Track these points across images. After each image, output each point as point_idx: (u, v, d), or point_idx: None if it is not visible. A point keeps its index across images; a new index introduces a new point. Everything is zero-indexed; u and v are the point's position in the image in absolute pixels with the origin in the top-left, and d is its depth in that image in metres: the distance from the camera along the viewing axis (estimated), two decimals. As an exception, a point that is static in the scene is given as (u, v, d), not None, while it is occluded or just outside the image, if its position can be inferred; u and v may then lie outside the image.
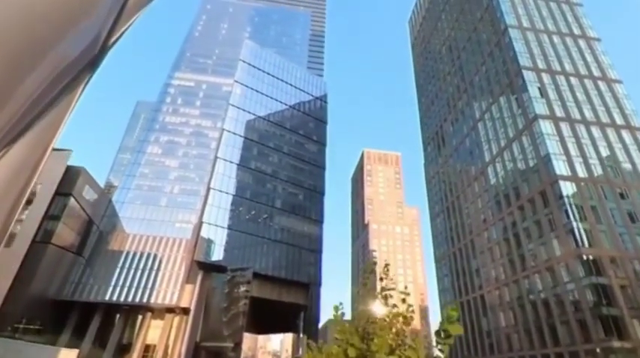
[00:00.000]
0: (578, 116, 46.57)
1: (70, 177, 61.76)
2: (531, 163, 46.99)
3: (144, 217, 73.60)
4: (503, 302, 50.30)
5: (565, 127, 45.40)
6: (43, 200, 56.67)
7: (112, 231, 71.12)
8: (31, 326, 55.12)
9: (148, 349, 63.86)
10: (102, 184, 78.61)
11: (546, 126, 45.05)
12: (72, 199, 62.91)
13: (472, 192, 62.09)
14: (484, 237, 56.84)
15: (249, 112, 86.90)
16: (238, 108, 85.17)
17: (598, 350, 33.98)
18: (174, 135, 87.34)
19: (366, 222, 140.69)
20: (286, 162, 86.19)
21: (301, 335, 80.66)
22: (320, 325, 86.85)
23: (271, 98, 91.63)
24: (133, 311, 66.22)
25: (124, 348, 62.25)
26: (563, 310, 39.35)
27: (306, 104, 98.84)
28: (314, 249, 79.56)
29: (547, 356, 41.17)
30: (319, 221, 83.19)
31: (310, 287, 76.06)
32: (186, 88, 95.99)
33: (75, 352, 14.89)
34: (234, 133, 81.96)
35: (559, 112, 46.70)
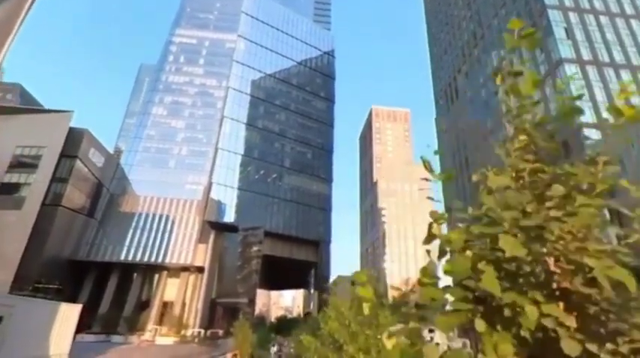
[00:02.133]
0: (607, 59, 43.22)
1: (74, 139, 60.75)
2: (553, 113, 44.34)
3: (153, 179, 73.21)
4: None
5: (592, 71, 42.28)
6: (49, 162, 56.11)
7: (123, 194, 71.15)
8: (51, 286, 56.71)
9: (166, 305, 65.87)
10: (111, 150, 77.66)
11: (572, 71, 41.96)
12: (78, 161, 62.36)
13: (486, 146, 59.79)
14: (499, 192, 55.33)
15: (255, 69, 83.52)
16: (243, 64, 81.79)
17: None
18: (179, 95, 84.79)
19: (374, 180, 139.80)
20: (294, 120, 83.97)
21: (312, 291, 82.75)
22: (330, 281, 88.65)
23: (277, 53, 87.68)
24: (150, 270, 67.69)
25: (144, 305, 64.24)
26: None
27: (313, 59, 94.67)
28: (323, 207, 79.40)
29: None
30: (328, 179, 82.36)
31: (320, 244, 76.75)
32: (189, 45, 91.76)
33: (78, 306, 14.38)
34: (240, 91, 79.32)
35: (586, 55, 43.33)
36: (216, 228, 68.68)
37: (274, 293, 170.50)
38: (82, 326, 54.91)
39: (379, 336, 4.44)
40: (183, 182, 74.10)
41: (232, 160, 72.97)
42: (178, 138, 79.77)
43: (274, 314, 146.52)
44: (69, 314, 13.61)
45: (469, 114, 66.89)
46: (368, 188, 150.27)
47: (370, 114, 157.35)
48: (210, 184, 69.95)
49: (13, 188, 54.83)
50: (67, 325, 13.45)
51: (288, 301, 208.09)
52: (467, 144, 66.64)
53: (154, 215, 69.52)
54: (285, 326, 71.02)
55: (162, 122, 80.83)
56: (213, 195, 69.56)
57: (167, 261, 65.71)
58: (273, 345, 32.87)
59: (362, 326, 4.30)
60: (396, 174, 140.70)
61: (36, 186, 54.82)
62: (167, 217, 69.67)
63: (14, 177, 55.52)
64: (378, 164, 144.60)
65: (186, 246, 67.67)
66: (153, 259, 65.52)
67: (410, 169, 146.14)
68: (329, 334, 4.80)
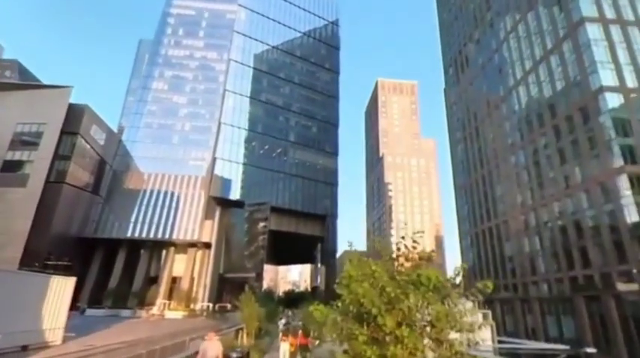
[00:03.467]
0: (631, 17, 40.43)
1: (75, 115, 59.57)
2: (572, 76, 42.05)
3: (156, 156, 72.21)
4: (530, 227, 48.72)
5: (615, 31, 39.61)
6: (51, 139, 55.23)
7: (126, 171, 70.44)
8: (61, 263, 57.10)
9: (175, 280, 66.40)
10: (115, 129, 76.24)
11: (594, 31, 39.35)
12: (80, 138, 61.43)
13: (499, 114, 57.65)
14: (510, 162, 53.72)
15: (256, 40, 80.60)
16: (244, 35, 78.89)
17: (634, 270, 32.45)
18: (180, 69, 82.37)
19: (380, 154, 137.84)
20: (298, 93, 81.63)
21: (319, 266, 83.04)
22: (337, 256, 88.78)
23: (279, 23, 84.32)
24: (157, 246, 67.87)
25: (152, 280, 64.79)
26: (597, 232, 37.39)
27: (317, 29, 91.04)
28: (329, 181, 78.31)
29: (575, 279, 40.25)
30: (334, 153, 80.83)
31: (326, 219, 76.17)
32: (187, 17, 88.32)
33: (72, 280, 13.60)
34: (242, 64, 76.83)
35: (609, 14, 40.53)
36: (221, 204, 68.18)
37: (282, 268, 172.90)
38: (93, 301, 55.89)
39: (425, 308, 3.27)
40: (187, 158, 73.06)
41: (236, 135, 71.56)
42: (181, 114, 78.14)
43: (282, 288, 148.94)
44: (62, 287, 12.80)
45: (480, 82, 64.29)
46: (374, 162, 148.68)
47: (376, 87, 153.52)
48: (214, 160, 68.90)
49: (16, 165, 54.31)
50: (61, 299, 12.66)
51: (295, 276, 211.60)
52: (477, 114, 64.41)
53: (158, 191, 68.99)
54: (293, 300, 71.67)
55: (164, 97, 79.00)
56: (218, 170, 68.65)
57: (174, 236, 65.67)
58: (281, 318, 32.58)
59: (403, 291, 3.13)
60: (403, 148, 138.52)
61: (39, 163, 54.20)
62: (172, 193, 69.13)
63: (17, 155, 54.90)
64: (384, 138, 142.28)
65: (192, 222, 67.41)
66: (160, 235, 65.49)
67: (417, 143, 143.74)
68: (353, 302, 3.54)
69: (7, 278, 10.75)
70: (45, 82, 62.56)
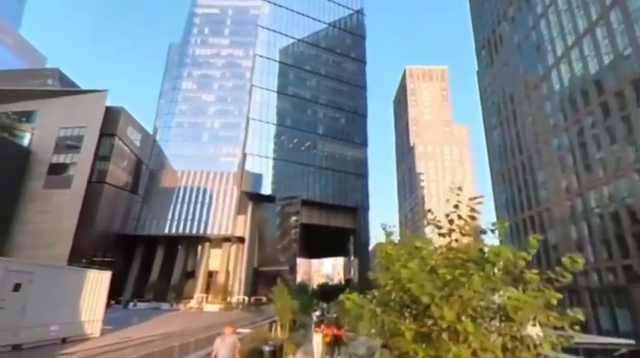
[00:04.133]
0: (689, -22, 36.45)
1: (112, 117, 62.05)
2: (621, 48, 38.59)
3: (188, 154, 74.07)
4: (576, 214, 45.61)
5: (671, -3, 35.85)
6: (91, 141, 57.80)
7: (161, 170, 72.74)
8: (106, 259, 60.09)
9: (211, 274, 68.14)
10: (150, 131, 78.71)
11: (646, -4, 35.83)
12: (117, 139, 63.99)
13: (538, 95, 54.20)
14: (553, 145, 50.42)
15: (281, 33, 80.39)
16: (268, 29, 78.89)
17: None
18: (207, 68, 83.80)
19: (411, 144, 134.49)
20: (325, 84, 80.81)
21: (352, 258, 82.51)
22: (370, 248, 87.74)
23: (303, 15, 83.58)
24: (193, 242, 69.87)
25: (189, 274, 66.81)
26: (656, 216, 34.32)
27: (342, 19, 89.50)
28: (359, 173, 77.25)
29: (629, 267, 37.31)
30: (363, 144, 79.56)
31: (358, 211, 75.32)
32: (212, 16, 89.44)
33: (108, 273, 13.79)
34: (268, 58, 76.97)
35: (664, -24, 36.71)
36: (253, 198, 69.00)
37: (315, 262, 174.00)
38: (135, 295, 58.43)
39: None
40: (218, 155, 74.38)
41: (265, 130, 71.98)
42: (210, 112, 79.57)
43: (316, 281, 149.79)
44: (98, 281, 13.01)
45: (516, 62, 60.71)
46: (404, 152, 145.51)
47: (404, 75, 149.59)
48: (244, 155, 69.73)
49: (61, 168, 57.32)
50: (98, 292, 12.89)
51: (328, 269, 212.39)
52: (514, 97, 60.97)
53: (192, 188, 70.79)
54: (327, 292, 71.58)
55: (193, 96, 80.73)
56: (248, 166, 69.44)
57: (208, 232, 67.26)
58: (315, 311, 32.41)
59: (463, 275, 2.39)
60: (434, 136, 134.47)
61: (81, 164, 56.91)
62: (205, 190, 70.71)
63: (61, 158, 57.87)
64: (414, 127, 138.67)
65: (225, 217, 68.74)
66: (195, 231, 67.30)
67: (449, 130, 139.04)
68: (394, 288, 2.82)
69: (46, 273, 10.95)
70: (83, 87, 65.47)
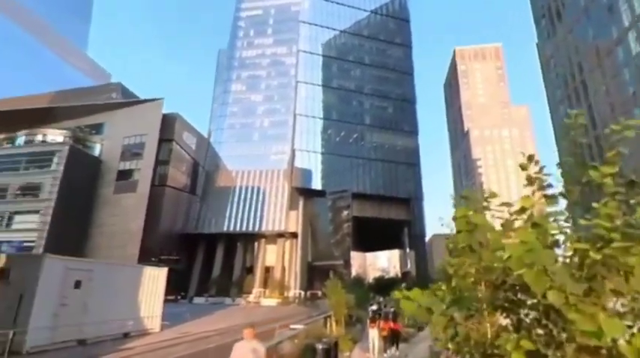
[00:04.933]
0: None
1: (168, 123, 65.70)
2: None
3: (241, 154, 76.48)
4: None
5: None
6: (151, 147, 61.64)
7: (217, 170, 75.88)
8: (172, 257, 64.08)
9: (268, 270, 69.93)
10: (205, 135, 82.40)
11: None
12: (174, 144, 67.73)
13: (613, 61, 48.09)
14: (634, 117, 44.39)
15: (322, 26, 79.73)
16: (310, 24, 78.63)
17: None
18: (254, 69, 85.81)
19: (465, 129, 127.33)
20: (369, 73, 78.85)
21: (407, 251, 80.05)
22: (427, 239, 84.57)
23: (343, 5, 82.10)
24: (250, 239, 72.16)
25: (248, 270, 69.12)
26: None
27: (383, 5, 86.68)
28: (411, 162, 74.47)
29: None
30: (413, 132, 76.54)
31: (411, 202, 72.71)
32: (255, 17, 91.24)
33: (165, 270, 14.11)
34: (311, 53, 76.79)
35: None
36: (304, 194, 69.48)
37: (369, 255, 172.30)
38: (199, 290, 61.67)
39: None
40: (268, 153, 75.91)
41: (312, 125, 72.02)
42: (259, 111, 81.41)
43: (371, 275, 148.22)
44: (155, 277, 13.37)
45: (584, 28, 54.39)
46: (458, 138, 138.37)
47: (454, 57, 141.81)
48: (293, 152, 70.37)
49: (127, 174, 61.88)
50: (156, 288, 13.26)
51: (383, 262, 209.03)
52: (583, 66, 54.77)
53: (246, 187, 73.00)
54: (382, 286, 70.17)
55: (243, 98, 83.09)
56: (298, 162, 69.98)
57: (263, 228, 68.98)
58: (372, 305, 31.55)
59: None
60: (491, 119, 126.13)
61: (144, 170, 60.99)
62: (258, 188, 72.58)
63: (127, 164, 62.45)
64: (467, 111, 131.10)
65: (278, 213, 70.04)
66: (251, 228, 69.38)
67: (507, 112, 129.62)
68: (483, 275, 1.90)
69: (104, 270, 11.35)
70: (142, 97, 70.10)
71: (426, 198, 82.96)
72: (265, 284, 65.43)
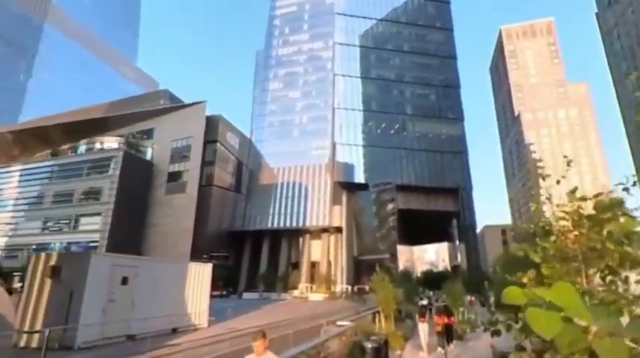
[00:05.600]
0: None
1: (212, 125, 67.85)
2: None
3: (282, 151, 77.24)
4: None
5: None
6: (197, 149, 63.95)
7: (259, 168, 77.29)
8: (221, 254, 66.41)
9: (313, 265, 70.21)
10: (248, 135, 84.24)
11: None
12: (219, 145, 69.84)
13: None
14: None
15: (358, 17, 78.13)
16: (345, 15, 77.36)
17: None
18: (291, 66, 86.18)
19: (516, 113, 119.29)
20: (409, 61, 76.07)
21: (457, 243, 76.68)
22: (478, 231, 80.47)
23: (378, -8, 79.85)
24: (294, 234, 72.83)
25: (294, 265, 69.81)
26: None
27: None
28: (457, 151, 70.96)
29: None
30: (458, 119, 72.82)
31: (459, 192, 69.31)
32: (290, 14, 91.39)
33: (209, 266, 14.15)
34: (347, 44, 75.56)
35: None
36: (346, 188, 68.76)
37: (417, 249, 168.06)
38: (248, 286, 63.29)
39: None
40: (309, 148, 75.96)
41: (351, 118, 70.94)
42: (298, 108, 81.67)
43: (419, 269, 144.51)
44: (200, 273, 13.45)
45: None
46: (508, 123, 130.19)
47: (500, 37, 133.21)
48: (333, 146, 69.79)
49: (177, 175, 64.75)
50: (201, 283, 13.34)
51: (431, 255, 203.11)
52: (653, 33, 48.92)
53: (288, 183, 73.65)
54: (431, 280, 67.87)
55: (281, 95, 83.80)
56: (339, 156, 69.31)
57: (307, 224, 69.26)
58: (422, 299, 30.26)
59: None
60: (544, 100, 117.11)
61: (192, 171, 63.48)
62: (300, 184, 72.94)
63: (176, 167, 65.34)
64: (518, 93, 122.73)
65: (322, 208, 69.95)
66: (295, 224, 69.95)
67: (563, 91, 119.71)
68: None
69: (149, 266, 11.49)
70: (186, 101, 73.02)
71: (475, 187, 78.74)
72: (312, 279, 65.73)
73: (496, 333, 2.53)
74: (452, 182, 69.21)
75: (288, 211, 71.24)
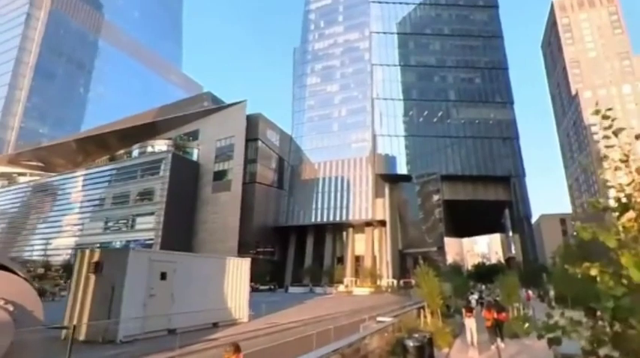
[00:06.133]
0: None
1: (252, 123, 69.19)
2: None
3: (322, 145, 77.21)
4: None
5: None
6: (240, 148, 65.60)
7: (300, 164, 77.84)
8: (266, 249, 67.93)
9: (358, 259, 69.69)
10: (289, 132, 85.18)
11: None
12: (260, 142, 71.13)
13: None
14: None
15: (394, 2, 75.61)
16: (381, 2, 75.21)
17: None
18: (327, 59, 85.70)
19: (573, 92, 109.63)
20: (451, 44, 72.36)
21: (510, 234, 72.32)
22: (533, 221, 75.26)
23: (414, -26, 76.65)
24: (337, 228, 72.69)
25: (339, 259, 69.72)
26: None
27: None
28: (507, 136, 66.58)
29: None
30: (507, 102, 68.21)
31: (511, 180, 65.01)
32: (325, 7, 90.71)
33: (248, 260, 14.15)
34: (384, 33, 73.44)
35: None
36: (388, 180, 67.23)
37: (466, 241, 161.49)
38: (294, 280, 64.15)
39: None
40: (349, 141, 75.25)
41: (391, 108, 69.03)
42: (336, 101, 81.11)
43: (470, 262, 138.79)
44: (238, 267, 13.48)
45: None
46: (564, 104, 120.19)
47: (552, 11, 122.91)
48: (374, 138, 68.43)
49: (222, 174, 66.94)
50: (240, 278, 13.41)
51: (483, 247, 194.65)
52: None
53: (330, 178, 73.50)
54: (484, 273, 64.75)
55: (319, 90, 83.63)
56: (380, 148, 67.84)
57: (350, 218, 68.76)
58: (472, 293, 28.74)
59: None
60: (606, 75, 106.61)
61: (236, 169, 65.29)
62: (342, 178, 72.54)
63: (221, 166, 67.55)
64: (575, 70, 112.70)
65: (364, 202, 69.12)
66: (338, 218, 69.72)
67: (628, 64, 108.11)
68: None
69: (187, 261, 11.66)
70: (227, 102, 75.03)
71: (528, 174, 73.43)
72: (356, 273, 65.25)
73: (555, 342, 1.94)
74: (502, 170, 65.15)
75: (331, 205, 71.14)
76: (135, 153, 69.21)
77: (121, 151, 73.98)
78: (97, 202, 67.15)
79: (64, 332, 9.06)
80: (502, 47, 71.01)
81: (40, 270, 52.63)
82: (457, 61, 71.03)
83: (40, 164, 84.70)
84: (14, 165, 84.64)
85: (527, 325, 14.30)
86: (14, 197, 79.15)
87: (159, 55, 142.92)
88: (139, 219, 61.73)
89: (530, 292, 38.03)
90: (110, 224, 64.91)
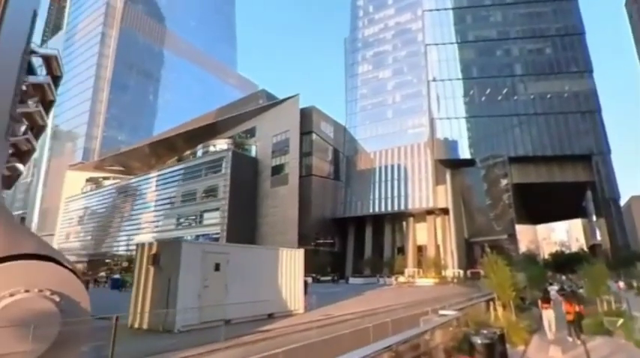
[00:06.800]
0: None
1: (306, 117, 69.65)
2: None
3: (377, 134, 75.55)
4: None
5: None
6: (295, 142, 66.38)
7: (356, 154, 76.97)
8: (326, 241, 68.43)
9: (420, 249, 67.39)
10: (343, 123, 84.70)
11: None
12: (314, 135, 71.43)
13: None
14: None
15: (448, -25, 71.03)
16: (432, -23, 71.03)
17: None
18: (378, 45, 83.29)
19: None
20: (514, 13, 66.00)
21: (594, 219, 64.72)
22: (622, 203, 66.53)
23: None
24: (397, 218, 70.88)
25: (399, 250, 68.01)
26: None
27: None
28: (587, 109, 59.33)
29: None
30: (586, 71, 60.61)
31: (593, 158, 57.95)
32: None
33: (301, 251, 13.95)
34: (438, 10, 69.27)
35: None
36: (450, 166, 63.74)
37: (541, 228, 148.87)
38: (355, 271, 63.89)
39: None
40: (405, 128, 72.72)
41: (449, 89, 65.12)
42: (389, 87, 78.70)
43: (547, 250, 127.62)
44: (292, 258, 13.36)
45: None
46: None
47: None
48: (432, 122, 65.19)
49: (279, 168, 68.44)
50: (294, 269, 13.28)
51: (561, 235, 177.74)
52: None
53: (386, 166, 71.78)
54: (563, 262, 59.06)
55: (370, 77, 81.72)
56: (438, 132, 64.49)
57: (410, 206, 66.62)
58: (552, 284, 26.05)
59: None
60: None
61: (292, 163, 66.31)
62: (399, 166, 70.46)
63: (277, 160, 69.08)
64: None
65: (424, 189, 66.52)
66: (397, 207, 67.93)
67: None
68: None
69: (240, 252, 11.74)
70: (281, 97, 76.27)
71: (614, 152, 64.75)
72: (419, 263, 63.09)
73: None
74: (582, 148, 58.33)
75: (389, 195, 69.50)
76: (199, 153, 73.40)
77: (187, 152, 78.98)
78: (169, 200, 72.50)
79: (129, 319, 9.61)
80: (577, 10, 63.10)
81: (125, 264, 58.66)
82: (523, 31, 64.63)
83: (120, 168, 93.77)
84: (100, 171, 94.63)
85: (621, 321, 12.41)
86: (102, 199, 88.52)
87: (215, 58, 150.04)
88: (206, 215, 65.46)
89: (620, 283, 33.76)
90: (182, 220, 69.73)
